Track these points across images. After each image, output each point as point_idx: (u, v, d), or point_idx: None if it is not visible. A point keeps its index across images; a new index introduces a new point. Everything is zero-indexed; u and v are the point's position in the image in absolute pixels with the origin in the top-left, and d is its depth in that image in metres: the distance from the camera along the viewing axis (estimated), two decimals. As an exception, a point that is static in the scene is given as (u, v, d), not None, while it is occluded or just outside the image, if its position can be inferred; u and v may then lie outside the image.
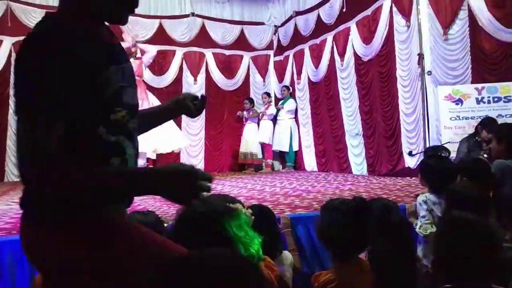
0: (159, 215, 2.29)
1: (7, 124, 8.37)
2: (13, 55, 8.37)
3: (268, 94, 9.75)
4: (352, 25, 7.45)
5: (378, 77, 6.95)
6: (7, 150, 8.38)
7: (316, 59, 8.52)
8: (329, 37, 8.12)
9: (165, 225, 2.24)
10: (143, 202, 4.10)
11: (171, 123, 6.53)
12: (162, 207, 3.70)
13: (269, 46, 10.25)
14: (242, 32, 9.99)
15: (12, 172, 8.43)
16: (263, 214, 2.20)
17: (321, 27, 8.39)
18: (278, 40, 10.09)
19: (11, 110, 8.37)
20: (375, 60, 6.97)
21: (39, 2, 8.65)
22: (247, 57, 10.08)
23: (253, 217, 1.65)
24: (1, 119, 8.21)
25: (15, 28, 8.37)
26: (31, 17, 8.53)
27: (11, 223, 3.07)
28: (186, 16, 9.62)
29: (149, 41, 9.25)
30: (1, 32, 8.33)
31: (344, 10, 7.65)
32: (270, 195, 4.42)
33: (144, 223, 2.06)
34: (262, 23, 10.19)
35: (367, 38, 7.08)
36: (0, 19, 8.31)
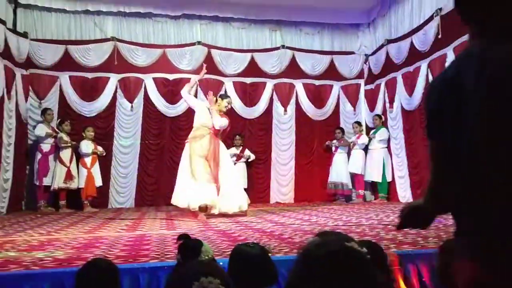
0: (264, 246, 2.29)
1: (111, 155, 8.98)
2: (119, 91, 9.07)
3: (359, 123, 9.63)
4: (449, 51, 7.19)
5: (479, 104, 6.61)
6: (111, 178, 8.97)
7: (410, 87, 8.31)
8: (424, 64, 7.90)
9: (270, 254, 2.25)
10: (242, 233, 4.18)
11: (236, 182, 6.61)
12: (262, 239, 3.74)
13: (360, 75, 10.18)
14: (332, 62, 10.03)
15: (115, 199, 9.00)
16: (374, 251, 2.15)
17: (414, 55, 8.19)
18: (369, 69, 9.99)
19: (115, 141, 9.00)
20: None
21: (142, 41, 9.32)
22: (337, 86, 10.07)
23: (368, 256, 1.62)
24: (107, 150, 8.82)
25: (121, 66, 9.08)
26: (135, 55, 9.21)
27: (126, 250, 3.26)
28: (277, 48, 9.86)
29: (241, 74, 9.60)
30: (108, 70, 9.05)
31: (439, 36, 7.43)
32: (369, 229, 4.32)
33: (251, 255, 2.11)
34: (352, 53, 10.17)
35: (466, 65, 6.79)
36: (108, 58, 9.04)
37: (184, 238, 2.15)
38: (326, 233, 2.14)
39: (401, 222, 1.62)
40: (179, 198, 6.16)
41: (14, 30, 8.32)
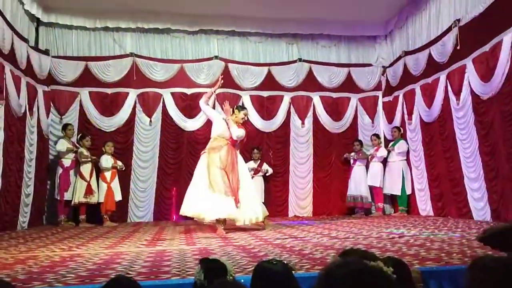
0: (287, 263, 2.27)
1: (131, 169, 9.06)
2: (138, 106, 9.15)
3: (378, 136, 9.57)
4: (468, 62, 7.12)
5: (500, 116, 6.52)
6: (130, 193, 9.04)
7: (429, 98, 8.24)
8: (442, 75, 7.84)
9: (293, 272, 2.23)
10: (262, 248, 4.16)
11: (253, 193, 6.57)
12: (283, 254, 3.72)
13: (377, 87, 10.14)
14: (349, 74, 10.02)
15: (134, 213, 9.06)
16: (400, 269, 2.11)
17: (433, 66, 8.14)
18: (387, 81, 9.95)
19: (134, 156, 9.08)
20: (496, 98, 6.55)
21: (160, 57, 9.44)
22: (354, 99, 10.04)
23: (394, 276, 1.60)
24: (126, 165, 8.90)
25: (139, 82, 9.20)
26: (153, 71, 9.33)
27: (147, 267, 3.27)
28: (294, 62, 9.89)
29: (258, 88, 9.64)
30: (127, 85, 9.19)
31: (458, 47, 7.38)
32: (391, 244, 4.26)
33: (274, 272, 2.09)
34: (369, 65, 10.15)
35: (485, 76, 6.71)
36: (127, 74, 9.17)
37: (206, 262, 2.13)
38: (351, 251, 2.13)
39: (485, 237, 1.58)
40: (190, 208, 6.09)
41: (36, 48, 8.51)
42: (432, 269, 2.89)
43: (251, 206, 6.21)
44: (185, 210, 6.18)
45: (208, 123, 8.91)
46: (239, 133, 6.25)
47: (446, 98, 7.73)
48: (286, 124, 9.79)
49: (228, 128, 6.28)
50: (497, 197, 6.63)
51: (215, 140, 6.34)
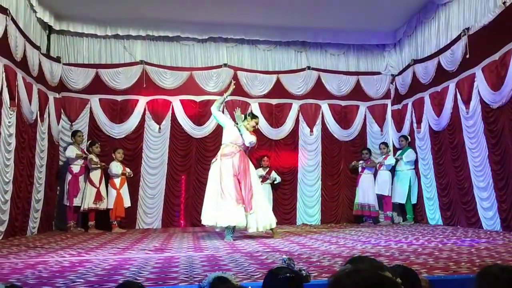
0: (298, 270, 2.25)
1: (140, 176, 9.11)
2: (147, 113, 9.25)
3: (386, 144, 9.55)
4: (478, 71, 7.10)
5: (510, 125, 6.48)
6: (139, 199, 9.08)
7: (438, 107, 8.22)
8: (452, 84, 7.82)
9: (307, 281, 2.21)
10: (270, 256, 4.17)
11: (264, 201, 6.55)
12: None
13: (386, 95, 10.13)
14: (358, 82, 10.02)
15: (143, 220, 9.09)
16: (408, 277, 2.11)
17: (442, 74, 8.13)
18: (396, 89, 9.94)
19: (143, 162, 9.15)
20: (507, 107, 6.52)
21: (169, 64, 9.52)
22: (363, 107, 10.04)
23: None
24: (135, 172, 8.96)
25: (149, 89, 9.28)
26: (163, 78, 9.40)
27: (155, 273, 3.29)
28: (302, 69, 9.91)
29: (267, 95, 9.68)
30: (137, 92, 9.26)
31: (467, 56, 7.36)
32: (399, 253, 4.24)
33: (288, 280, 2.08)
34: (378, 73, 10.15)
35: (495, 85, 6.69)
36: (137, 81, 9.25)
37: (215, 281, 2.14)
38: (358, 259, 2.12)
39: None
40: (208, 217, 6.14)
41: (47, 55, 8.62)
42: (440, 277, 2.87)
43: (264, 213, 6.22)
44: (204, 221, 6.23)
45: (217, 131, 9.01)
46: (252, 139, 6.28)
47: (456, 107, 7.71)
48: (294, 131, 9.80)
49: (240, 134, 6.30)
50: (506, 206, 6.58)
51: (227, 146, 6.33)
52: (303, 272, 2.18)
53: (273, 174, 9.29)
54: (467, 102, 7.37)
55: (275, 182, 9.30)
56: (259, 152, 9.16)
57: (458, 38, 7.59)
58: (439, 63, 8.20)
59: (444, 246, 4.80)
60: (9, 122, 6.61)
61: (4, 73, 6.41)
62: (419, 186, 8.97)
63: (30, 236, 7.14)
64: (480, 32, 7.08)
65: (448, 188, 8.07)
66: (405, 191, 8.91)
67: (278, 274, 1.99)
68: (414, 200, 8.93)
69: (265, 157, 9.24)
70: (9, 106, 6.59)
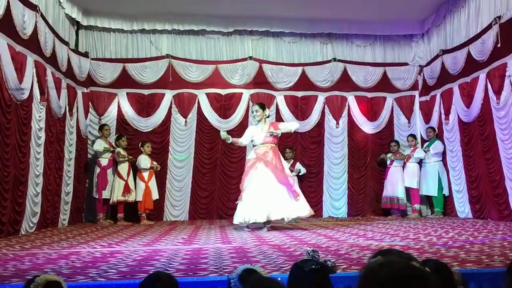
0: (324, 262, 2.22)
1: (166, 169, 9.21)
2: (174, 107, 9.34)
3: (414, 136, 9.40)
4: (509, 60, 6.91)
5: (543, 115, 6.31)
6: (166, 192, 9.19)
7: (467, 98, 8.04)
8: (482, 74, 7.63)
9: (334, 272, 2.19)
10: (298, 248, 4.16)
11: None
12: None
13: (414, 87, 9.96)
14: (384, 74, 9.88)
15: (170, 212, 9.20)
16: (440, 270, 2.08)
17: (472, 65, 7.94)
18: (424, 80, 9.76)
19: (170, 155, 9.25)
20: (540, 97, 6.35)
21: (195, 58, 9.56)
22: (390, 98, 9.90)
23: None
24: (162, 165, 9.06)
25: (175, 82, 9.35)
26: (189, 72, 9.45)
27: (185, 264, 3.33)
28: (328, 61, 9.82)
29: (292, 88, 9.63)
30: (164, 86, 9.35)
31: (498, 45, 7.17)
32: (429, 246, 4.18)
33: (314, 271, 2.07)
34: (405, 64, 9.98)
35: (528, 74, 6.51)
36: (163, 75, 9.33)
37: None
38: (389, 251, 2.10)
39: None
40: (240, 214, 6.36)
41: (76, 50, 8.76)
42: (472, 271, 2.82)
43: (298, 202, 6.37)
44: (248, 218, 6.31)
45: (242, 123, 9.13)
46: (297, 125, 7.18)
47: (486, 98, 7.53)
48: (320, 124, 9.74)
49: (270, 133, 6.50)
50: (540, 199, 6.42)
51: (258, 148, 6.58)
52: (329, 263, 2.16)
53: (298, 166, 9.26)
54: (498, 93, 7.19)
55: (300, 174, 9.26)
56: (285, 143, 9.14)
57: (489, 27, 7.39)
58: (468, 53, 8.01)
59: (475, 239, 4.71)
60: (39, 117, 6.75)
61: (34, 69, 6.55)
62: (448, 178, 8.81)
63: (62, 228, 7.32)
64: (512, 20, 6.87)
65: (478, 180, 7.91)
66: (435, 183, 8.77)
67: (303, 267, 1.98)
68: (446, 192, 8.78)
69: (287, 149, 9.17)
70: (39, 101, 6.74)
